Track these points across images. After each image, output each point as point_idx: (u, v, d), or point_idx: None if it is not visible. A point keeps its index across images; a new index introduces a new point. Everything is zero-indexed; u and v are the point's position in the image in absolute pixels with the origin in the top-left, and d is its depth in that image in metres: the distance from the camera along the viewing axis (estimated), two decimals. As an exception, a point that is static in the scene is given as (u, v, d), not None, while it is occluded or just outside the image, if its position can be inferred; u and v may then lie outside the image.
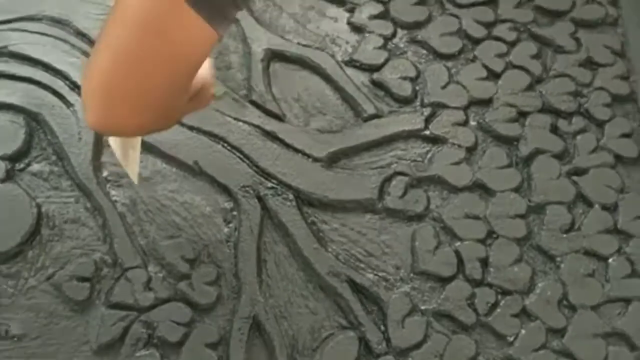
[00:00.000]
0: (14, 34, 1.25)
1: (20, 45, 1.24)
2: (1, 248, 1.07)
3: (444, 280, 1.12)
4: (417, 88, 1.27)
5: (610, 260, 1.15)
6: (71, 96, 1.19)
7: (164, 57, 0.74)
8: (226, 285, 1.09)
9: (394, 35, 1.33)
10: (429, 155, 1.21)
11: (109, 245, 1.10)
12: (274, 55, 1.29)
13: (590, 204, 1.19)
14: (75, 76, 1.21)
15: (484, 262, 1.13)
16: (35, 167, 1.15)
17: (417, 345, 1.07)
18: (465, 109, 1.26)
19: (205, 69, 0.91)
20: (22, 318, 1.04)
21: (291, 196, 1.15)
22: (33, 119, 1.18)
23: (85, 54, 1.24)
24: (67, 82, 1.21)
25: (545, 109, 1.27)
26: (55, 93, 1.20)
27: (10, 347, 1.02)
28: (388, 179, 1.18)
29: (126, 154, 0.97)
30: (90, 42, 1.25)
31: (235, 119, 1.20)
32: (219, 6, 0.73)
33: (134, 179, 1.03)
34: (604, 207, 1.19)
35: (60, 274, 1.07)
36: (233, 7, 0.74)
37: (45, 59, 1.23)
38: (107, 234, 1.10)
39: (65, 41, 1.25)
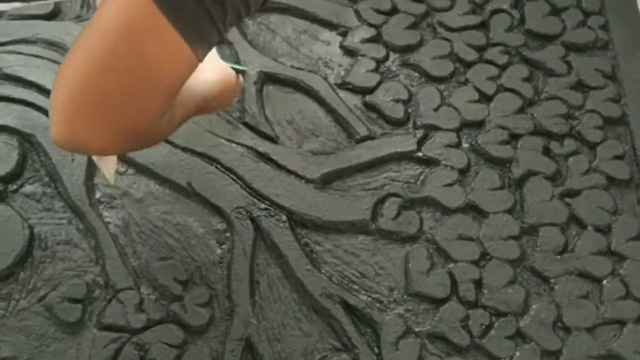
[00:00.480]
0: (8, 57, 1.25)
1: (14, 67, 1.24)
2: (-7, 270, 1.06)
3: (438, 302, 1.11)
4: (410, 110, 1.27)
5: (604, 282, 1.15)
6: (64, 118, 1.18)
7: (136, 71, 0.70)
8: (219, 307, 1.08)
9: (386, 58, 1.33)
10: (421, 177, 1.21)
11: (101, 266, 1.09)
12: (268, 78, 1.29)
13: (583, 226, 1.19)
14: (68, 98, 1.20)
15: (478, 284, 1.13)
16: (28, 188, 1.14)
17: (411, 367, 1.07)
18: (458, 131, 1.26)
19: (222, 68, 0.90)
20: (12, 340, 1.04)
21: (284, 217, 1.15)
22: (26, 141, 1.17)
23: (79, 76, 1.23)
24: (60, 104, 1.20)
25: (537, 132, 1.27)
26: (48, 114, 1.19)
27: (0, 370, 1.01)
28: (381, 201, 1.18)
29: None
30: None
31: (228, 140, 1.20)
32: (197, 25, 0.70)
33: (110, 178, 1.02)
34: (598, 229, 1.19)
35: (51, 296, 1.06)
36: (212, 28, 0.72)
37: (40, 81, 1.22)
38: (100, 256, 1.10)
39: (59, 63, 1.24)
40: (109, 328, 1.05)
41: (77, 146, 0.77)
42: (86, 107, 0.71)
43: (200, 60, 0.74)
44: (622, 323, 1.12)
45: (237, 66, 0.97)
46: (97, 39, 0.69)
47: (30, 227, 1.11)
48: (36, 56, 1.26)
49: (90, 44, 0.70)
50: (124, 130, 0.75)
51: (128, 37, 0.69)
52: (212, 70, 0.93)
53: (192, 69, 0.76)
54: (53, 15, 1.32)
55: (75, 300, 1.06)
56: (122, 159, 1.17)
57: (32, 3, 1.32)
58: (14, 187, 1.14)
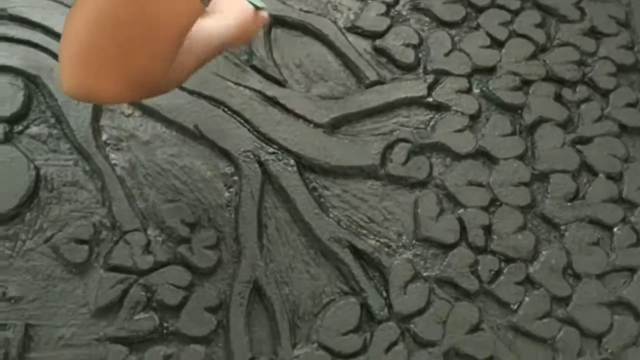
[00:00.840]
0: (13, -3, 1.23)
1: (19, 8, 1.21)
2: (-1, 210, 1.05)
3: (447, 247, 1.11)
4: (420, 55, 1.26)
5: (615, 229, 1.14)
6: (70, 59, 1.17)
7: (141, 19, 0.69)
8: (226, 249, 1.08)
9: (396, 2, 1.31)
10: (431, 123, 1.20)
11: (107, 208, 1.08)
12: (276, 21, 1.27)
13: (595, 173, 1.18)
14: (74, 39, 1.18)
15: (487, 230, 1.12)
16: (33, 129, 1.13)
17: (420, 312, 1.06)
18: (469, 76, 1.24)
19: (240, 9, 0.90)
20: (19, 280, 1.03)
21: (292, 162, 1.14)
22: (32, 82, 1.16)
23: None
24: (66, 45, 1.18)
25: (549, 78, 1.26)
26: (54, 56, 1.17)
27: (7, 309, 1.01)
28: (390, 146, 1.17)
29: None
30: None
31: (236, 83, 1.18)
32: None
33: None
34: (609, 176, 1.18)
35: (58, 237, 1.05)
36: None
37: (45, 22, 1.20)
38: (106, 197, 1.09)
39: (65, 4, 1.23)
40: (115, 269, 1.04)
41: (89, 97, 0.77)
42: (96, 59, 0.70)
43: (205, 5, 0.72)
44: (632, 270, 1.12)
45: (255, 2, 0.95)
46: None
47: (36, 168, 1.09)
48: (41, -4, 1.24)
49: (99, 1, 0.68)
50: (134, 79, 0.74)
51: None
52: (231, 12, 0.91)
53: (198, 13, 0.74)
54: (58, -45, 1.30)
55: (82, 241, 1.05)
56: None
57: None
58: (20, 128, 1.13)
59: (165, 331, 1.02)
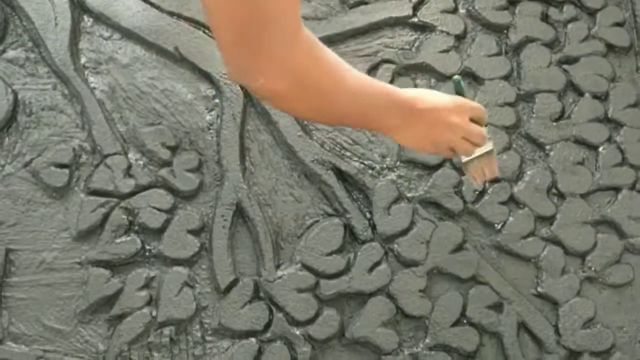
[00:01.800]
0: None
1: None
2: (-24, 135, 1.04)
3: (431, 168, 1.10)
4: (405, -17, 1.23)
5: (600, 148, 1.13)
6: (47, -19, 1.15)
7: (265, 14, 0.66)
8: (208, 172, 1.07)
9: None
10: (416, 43, 1.18)
11: (87, 132, 1.07)
12: (257, -59, 1.24)
13: (580, 93, 1.17)
14: (50, -39, 1.16)
15: (472, 150, 1.10)
16: (10, 53, 1.11)
17: (403, 232, 1.06)
18: (455, -5, 1.22)
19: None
20: (-1, 205, 1.02)
21: (275, 84, 1.12)
22: (7, 5, 1.13)
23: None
24: (42, -33, 1.16)
25: (536, -3, 1.23)
26: (30, -22, 1.15)
27: (-12, 234, 1.00)
28: (375, 67, 1.15)
29: None
30: None
31: (216, 5, 1.16)
32: None
33: None
34: (595, 96, 1.17)
35: (37, 161, 1.04)
36: None
37: (19, -57, 1.17)
38: (86, 121, 1.07)
39: None
40: (96, 193, 1.04)
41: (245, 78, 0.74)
42: (251, 47, 0.68)
43: None
44: (617, 189, 1.11)
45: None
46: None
47: (14, 92, 1.08)
48: None
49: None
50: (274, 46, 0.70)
51: None
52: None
53: None
54: None
55: (62, 166, 1.04)
56: (107, 22, 1.13)
57: None
58: (-4, 52, 1.11)
59: (147, 254, 1.02)
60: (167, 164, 1.06)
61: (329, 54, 0.75)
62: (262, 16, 0.65)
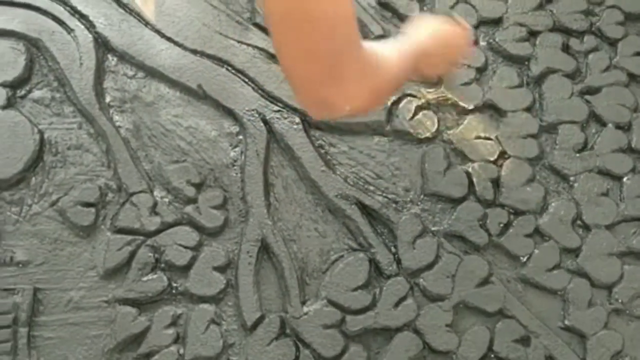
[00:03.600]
0: (11, -39, 1.22)
1: (18, -29, 1.20)
2: (4, 175, 1.05)
3: (455, 201, 1.10)
4: (425, 8, 1.24)
5: (624, 179, 1.13)
6: (71, 21, 1.16)
7: (327, 34, 0.68)
8: (233, 209, 1.07)
9: (400, -45, 1.29)
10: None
11: (113, 170, 1.08)
12: (278, -22, 1.25)
13: (603, 123, 1.17)
14: (76, 1, 1.17)
15: (496, 183, 1.11)
16: (36, 93, 1.12)
17: (429, 266, 1.06)
18: (475, 28, 1.22)
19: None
20: (27, 245, 1.03)
21: (298, 119, 1.13)
22: (33, 45, 1.15)
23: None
24: (67, 8, 1.17)
25: (556, 28, 1.24)
26: (56, 19, 1.16)
27: (15, 274, 1.01)
28: (397, 101, 1.16)
29: None
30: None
31: (239, 42, 1.17)
32: None
33: (151, 16, 0.98)
34: (618, 126, 1.17)
35: (64, 200, 1.05)
36: None
37: (44, -15, 1.19)
38: (111, 160, 1.08)
39: (63, -33, 1.22)
40: (123, 231, 1.04)
41: (332, 110, 0.77)
42: (322, 78, 0.70)
43: None
44: (642, 220, 1.11)
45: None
46: (292, 35, 0.68)
47: (40, 132, 1.09)
48: (40, -41, 1.22)
49: (290, 41, 0.69)
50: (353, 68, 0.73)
51: (303, 17, 0.66)
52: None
53: None
54: None
55: (88, 204, 1.05)
56: (131, 61, 1.14)
57: None
58: (22, 92, 1.12)
59: (174, 291, 1.02)
60: (192, 201, 1.06)
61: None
62: (335, 46, 0.67)
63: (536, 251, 1.08)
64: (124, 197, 1.06)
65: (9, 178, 1.05)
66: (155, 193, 1.07)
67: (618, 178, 1.13)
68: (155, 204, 1.06)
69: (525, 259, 1.07)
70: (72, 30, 1.16)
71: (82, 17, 1.17)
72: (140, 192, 1.06)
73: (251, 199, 1.07)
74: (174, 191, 1.07)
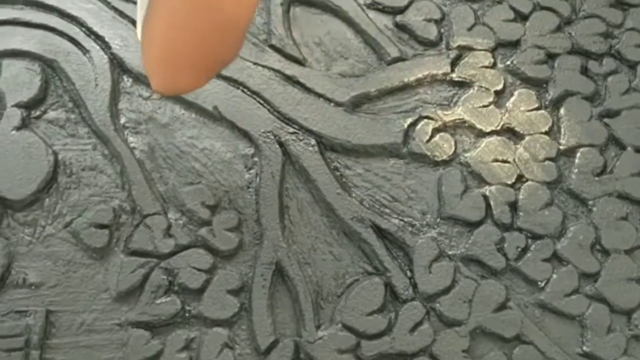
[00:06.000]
0: (28, -18, 1.22)
1: (34, -8, 1.21)
2: (17, 196, 1.05)
3: (472, 225, 1.09)
4: (442, 30, 1.23)
5: (644, 203, 1.11)
6: (87, 42, 1.16)
7: (218, 15, 0.73)
8: (248, 231, 1.06)
9: (417, -23, 1.29)
10: (455, 99, 1.18)
11: (127, 192, 1.07)
12: (294, -1, 1.25)
13: (622, 147, 1.15)
14: (91, 22, 1.18)
15: (513, 206, 1.10)
16: (51, 114, 1.12)
17: (445, 291, 1.04)
18: (493, 51, 1.22)
19: None
20: (39, 266, 1.02)
21: (313, 141, 1.12)
22: (49, 66, 1.15)
23: None
24: (83, 29, 1.18)
25: (575, 51, 1.23)
26: (71, 40, 1.17)
27: (28, 296, 1.00)
28: (413, 123, 1.15)
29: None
30: (106, -11, 1.22)
31: (254, 63, 1.17)
32: None
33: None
34: (637, 150, 1.15)
35: (78, 222, 1.04)
36: None
37: (61, 5, 1.19)
38: (126, 181, 1.08)
39: (80, -13, 1.22)
40: (136, 253, 1.03)
41: (178, 92, 0.92)
42: (184, 59, 0.76)
43: None
44: (663, 245, 1.09)
45: None
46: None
47: (55, 153, 1.09)
48: (57, -20, 1.22)
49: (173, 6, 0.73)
50: (219, 63, 0.81)
51: None
52: None
53: None
54: (73, -62, 1.29)
55: (102, 226, 1.04)
56: (146, 82, 1.14)
57: None
58: (37, 113, 1.12)
59: (187, 315, 1.01)
60: (207, 223, 1.05)
61: None
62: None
63: (554, 276, 1.06)
64: (138, 219, 1.06)
65: (22, 199, 1.05)
66: (169, 215, 1.06)
67: (637, 202, 1.12)
68: (169, 226, 1.05)
69: (543, 284, 1.06)
70: (88, 51, 1.16)
71: (98, 38, 1.17)
72: (154, 214, 1.06)
73: (266, 221, 1.06)
74: (189, 213, 1.06)
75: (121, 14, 1.20)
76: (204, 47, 0.76)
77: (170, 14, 0.74)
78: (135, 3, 1.13)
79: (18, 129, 1.09)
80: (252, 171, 1.11)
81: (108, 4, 1.21)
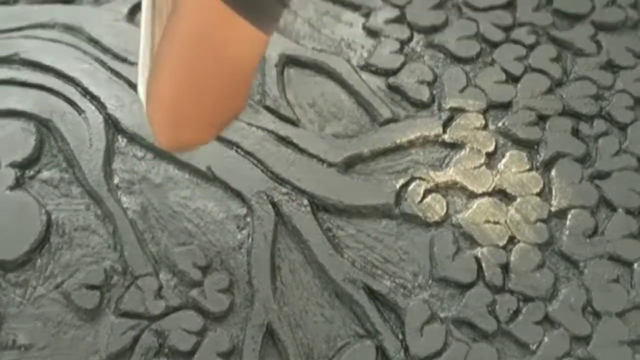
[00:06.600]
0: (26, 42, 1.24)
1: (31, 52, 1.22)
2: (10, 256, 1.05)
3: (464, 287, 1.08)
4: (435, 92, 1.25)
5: (635, 265, 1.11)
6: (83, 103, 1.18)
7: (223, 68, 0.75)
8: (239, 293, 1.06)
9: (410, 39, 1.31)
10: (447, 160, 1.19)
11: (119, 252, 1.07)
12: (289, 60, 1.27)
13: (613, 208, 1.16)
14: (87, 83, 1.19)
15: (505, 268, 1.10)
16: (45, 174, 1.13)
17: (437, 354, 1.04)
18: (484, 112, 1.23)
19: None
20: (30, 327, 1.02)
21: (306, 202, 1.12)
22: (44, 126, 1.16)
23: (98, 60, 1.22)
24: (79, 89, 1.19)
25: (566, 112, 1.24)
26: (67, 100, 1.18)
27: (17, 358, 1.00)
28: (405, 184, 1.16)
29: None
30: (103, 48, 1.24)
31: (248, 124, 1.18)
32: (265, 8, 0.73)
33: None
34: (628, 211, 1.15)
35: (69, 283, 1.04)
36: (279, 5, 0.74)
37: (57, 65, 1.21)
38: (118, 242, 1.08)
39: (77, 48, 1.24)
40: (127, 315, 1.03)
41: (185, 147, 0.88)
42: (190, 113, 0.77)
43: (269, 35, 0.77)
44: (654, 308, 1.09)
45: None
46: (180, 51, 0.74)
47: (48, 213, 1.09)
48: (53, 40, 1.24)
49: (175, 55, 0.75)
50: (222, 121, 0.82)
51: (209, 45, 0.73)
52: None
53: (266, 44, 0.78)
54: (71, -1, 1.31)
55: (93, 287, 1.04)
56: (141, 143, 1.15)
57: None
58: (32, 172, 1.13)
59: (177, 377, 1.01)
60: (198, 284, 1.05)
61: None
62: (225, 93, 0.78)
63: (546, 339, 1.06)
64: (129, 279, 1.06)
65: (14, 260, 1.05)
66: (160, 276, 1.06)
67: (629, 264, 1.12)
68: (160, 287, 1.05)
69: (534, 347, 1.05)
70: (84, 111, 1.17)
71: (94, 98, 1.19)
72: (146, 275, 1.06)
73: (257, 282, 1.06)
74: (180, 274, 1.06)
75: (117, 74, 1.21)
76: (211, 96, 0.77)
77: (176, 66, 0.75)
78: (131, 63, 1.15)
79: (12, 188, 1.10)
80: (244, 231, 1.11)
81: (104, 65, 1.22)
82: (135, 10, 1.28)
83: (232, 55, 0.75)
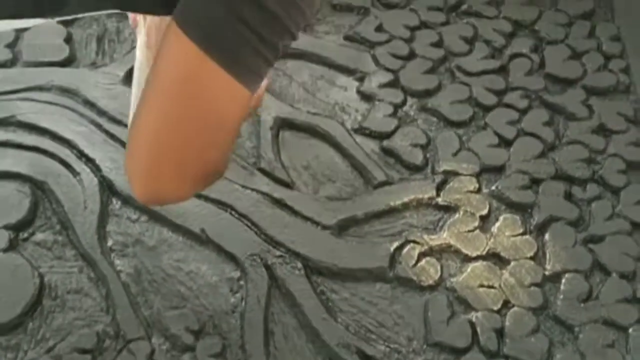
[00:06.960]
0: (23, 104, 1.25)
1: (28, 114, 1.23)
2: (2, 320, 1.04)
3: (459, 352, 1.08)
4: (428, 155, 1.25)
5: (630, 330, 1.11)
6: (78, 165, 1.18)
7: (204, 120, 0.74)
8: (232, 357, 1.06)
9: (404, 103, 1.32)
10: (441, 223, 1.19)
11: (112, 316, 1.07)
12: (284, 124, 1.27)
13: (607, 273, 1.16)
14: (83, 145, 1.20)
15: (500, 333, 1.09)
16: (39, 236, 1.13)
17: (431, 420, 1.03)
18: (477, 176, 1.24)
19: None
20: (21, 392, 1.01)
21: (300, 265, 1.12)
22: (39, 188, 1.16)
23: (94, 122, 1.23)
24: (74, 151, 1.19)
25: (559, 176, 1.25)
26: (62, 162, 1.18)
27: (7, 423, 0.99)
28: (399, 247, 1.16)
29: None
30: (99, 111, 1.25)
31: (243, 186, 1.18)
32: (248, 63, 0.72)
33: None
34: (622, 276, 1.16)
35: (60, 346, 1.04)
36: (263, 63, 0.73)
37: (53, 128, 1.22)
38: (111, 305, 1.08)
39: (73, 110, 1.25)
40: (119, 379, 1.02)
41: (162, 201, 0.83)
42: (168, 165, 0.75)
43: (254, 93, 0.76)
44: (650, 373, 1.08)
45: None
46: (162, 101, 0.73)
47: (41, 276, 1.09)
48: (50, 103, 1.25)
49: (156, 107, 0.73)
50: (204, 175, 0.79)
51: (190, 93, 0.72)
52: None
53: (249, 101, 0.77)
54: (68, 62, 1.32)
55: (85, 351, 1.04)
56: (135, 205, 1.15)
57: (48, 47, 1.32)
58: (25, 235, 1.12)
59: None
60: (191, 349, 1.05)
61: None
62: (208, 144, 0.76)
63: (542, 405, 1.05)
64: (121, 343, 1.05)
65: (6, 323, 1.04)
66: (153, 340, 1.05)
67: (624, 329, 1.11)
68: (152, 352, 1.04)
69: (530, 413, 1.05)
70: (79, 173, 1.17)
71: (89, 161, 1.19)
72: (138, 339, 1.05)
73: (250, 347, 1.06)
74: (172, 338, 1.06)
75: (112, 136, 1.22)
76: (191, 149, 0.74)
77: (156, 116, 0.73)
78: (126, 126, 1.15)
79: (5, 250, 1.10)
80: (237, 295, 1.11)
81: (100, 127, 1.23)
82: (131, 73, 1.29)
83: (213, 108, 0.74)
